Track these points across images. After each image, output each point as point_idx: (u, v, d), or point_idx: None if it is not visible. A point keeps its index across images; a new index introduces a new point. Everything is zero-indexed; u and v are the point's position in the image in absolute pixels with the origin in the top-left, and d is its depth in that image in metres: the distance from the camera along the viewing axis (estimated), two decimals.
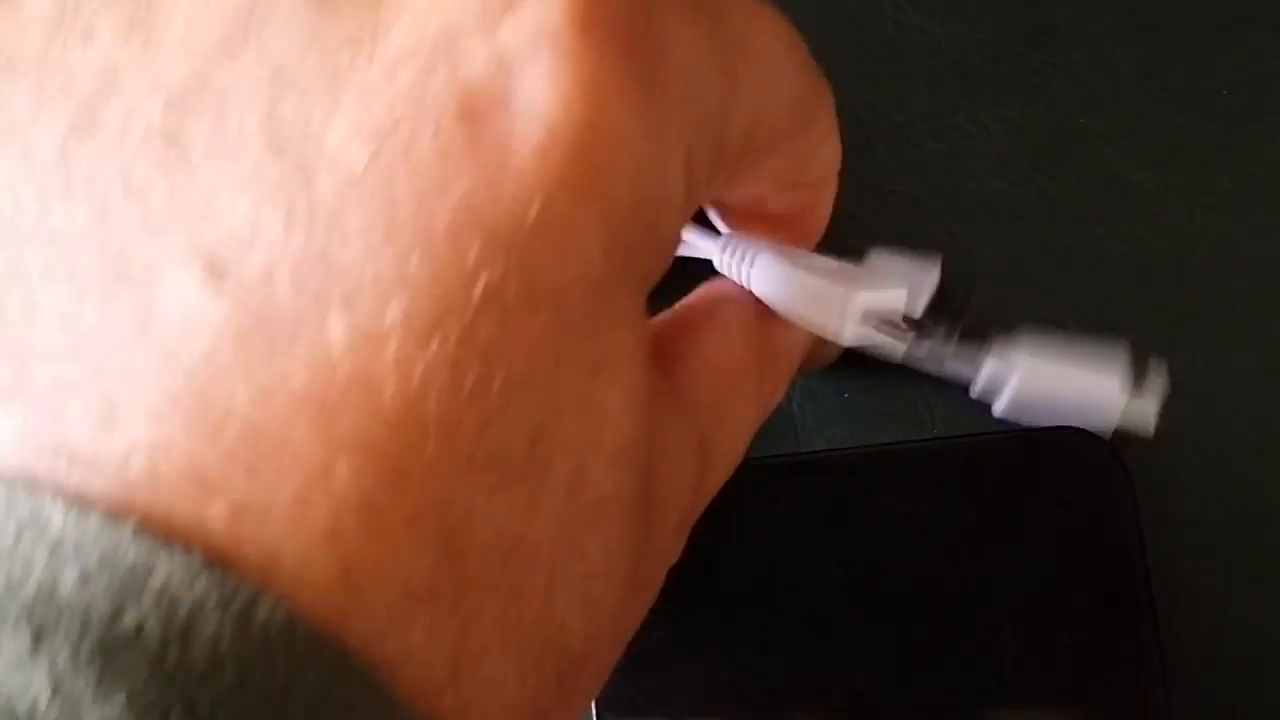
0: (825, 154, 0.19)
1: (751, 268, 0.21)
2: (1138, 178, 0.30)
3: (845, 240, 0.29)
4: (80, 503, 0.09)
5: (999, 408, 0.27)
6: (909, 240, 0.29)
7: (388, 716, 0.09)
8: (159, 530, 0.09)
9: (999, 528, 0.26)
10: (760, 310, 0.18)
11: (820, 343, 0.22)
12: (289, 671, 0.08)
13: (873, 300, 0.20)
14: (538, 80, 0.11)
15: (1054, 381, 0.27)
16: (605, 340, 0.11)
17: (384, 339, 0.10)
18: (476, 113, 0.11)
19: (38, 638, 0.08)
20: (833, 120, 0.18)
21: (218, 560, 0.09)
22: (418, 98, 0.10)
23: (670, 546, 0.15)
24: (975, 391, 0.27)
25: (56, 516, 0.09)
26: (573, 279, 0.11)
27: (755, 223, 0.20)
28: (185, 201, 0.10)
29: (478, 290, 0.10)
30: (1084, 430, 0.26)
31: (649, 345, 0.13)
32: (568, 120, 0.11)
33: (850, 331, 0.20)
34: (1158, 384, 0.28)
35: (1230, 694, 0.26)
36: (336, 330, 0.10)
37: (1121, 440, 0.27)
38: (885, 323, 0.20)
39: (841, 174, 0.30)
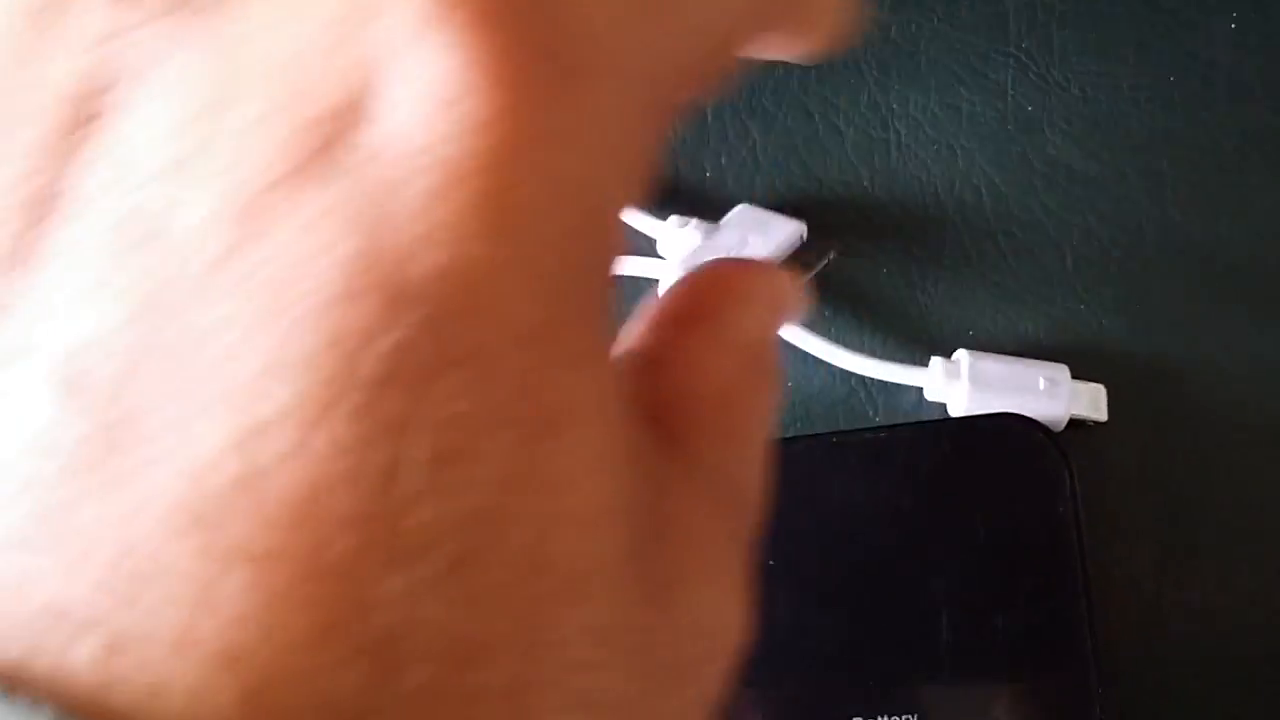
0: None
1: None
2: (1085, 166, 0.30)
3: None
4: None
5: (955, 408, 0.28)
6: (857, 228, 0.30)
7: None
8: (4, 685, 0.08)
9: (939, 513, 0.26)
10: (735, 305, 0.15)
11: None
12: None
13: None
14: (416, 104, 0.09)
15: (1003, 376, 0.28)
16: (548, 397, 0.10)
17: (263, 434, 0.09)
18: (345, 160, 0.09)
19: None
20: None
21: (82, 710, 0.08)
22: (270, 161, 0.09)
23: (727, 619, 0.12)
24: (930, 395, 0.28)
25: None
26: (494, 333, 0.09)
27: None
28: (32, 317, 0.09)
29: (374, 363, 0.09)
30: (1021, 416, 0.27)
31: (620, 390, 0.11)
32: (463, 147, 0.09)
33: None
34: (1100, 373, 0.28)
35: (1163, 672, 0.27)
36: (207, 433, 0.09)
37: (1074, 428, 0.27)
38: None
39: (791, 164, 0.30)
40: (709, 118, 0.31)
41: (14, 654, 0.08)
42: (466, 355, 0.09)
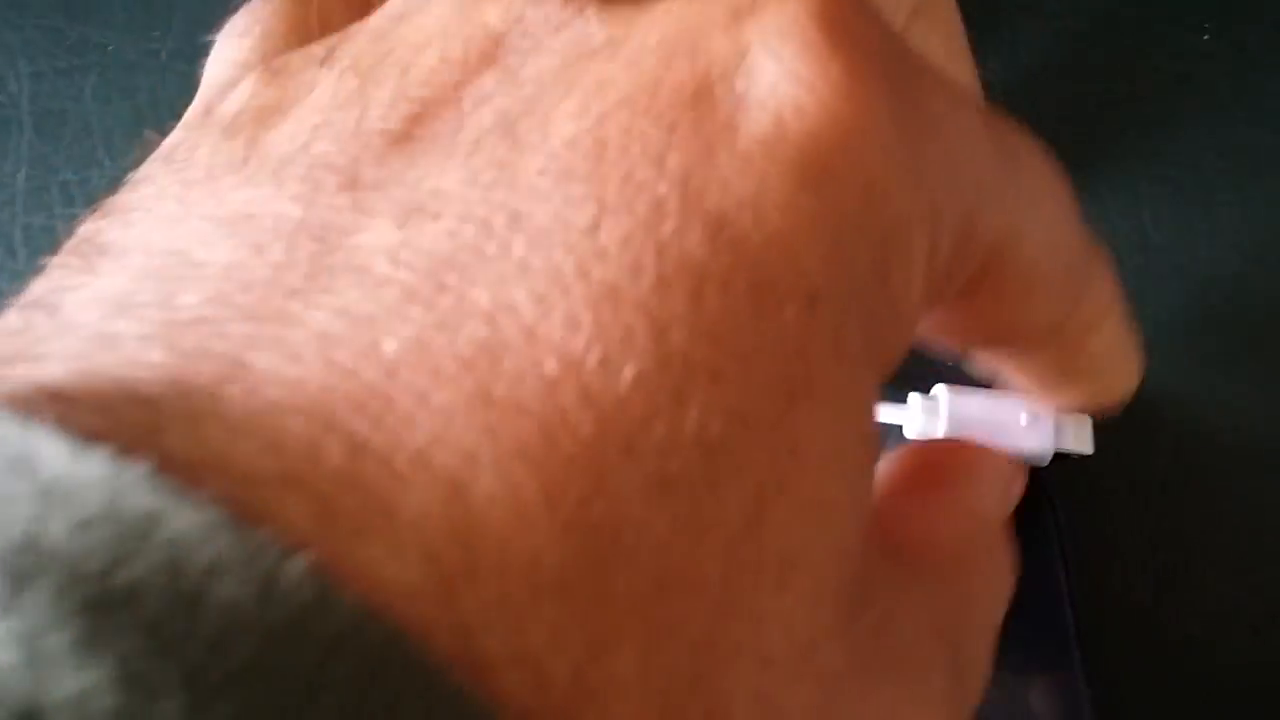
0: (1088, 304, 0.15)
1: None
2: None
3: None
4: (86, 442, 0.08)
5: None
6: None
7: None
8: (211, 475, 0.08)
9: None
10: (974, 473, 0.15)
11: None
12: (321, 651, 0.08)
13: None
14: (778, 74, 0.11)
15: (983, 413, 0.27)
16: (810, 364, 0.10)
17: (554, 301, 0.09)
18: (705, 98, 0.10)
19: (13, 590, 0.07)
20: (1106, 292, 0.15)
21: (339, 498, 0.08)
22: (650, 84, 0.11)
23: None
24: (909, 433, 0.27)
25: (51, 457, 0.08)
26: (779, 272, 0.10)
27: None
28: (395, 180, 0.11)
29: (668, 261, 0.10)
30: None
31: (869, 428, 0.11)
32: (802, 113, 0.10)
33: None
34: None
35: (1164, 705, 0.26)
36: (508, 288, 0.10)
37: (1060, 460, 0.27)
38: None
39: None
40: None
41: (266, 448, 0.09)
42: (750, 283, 0.10)
